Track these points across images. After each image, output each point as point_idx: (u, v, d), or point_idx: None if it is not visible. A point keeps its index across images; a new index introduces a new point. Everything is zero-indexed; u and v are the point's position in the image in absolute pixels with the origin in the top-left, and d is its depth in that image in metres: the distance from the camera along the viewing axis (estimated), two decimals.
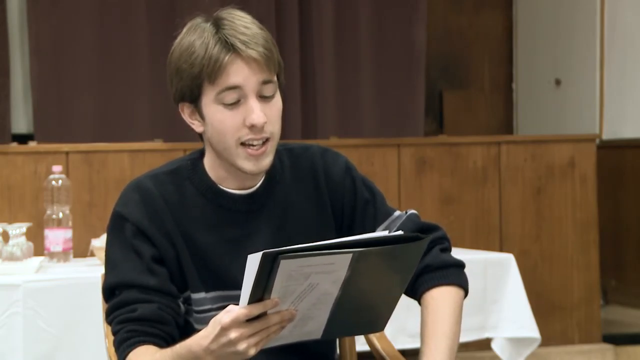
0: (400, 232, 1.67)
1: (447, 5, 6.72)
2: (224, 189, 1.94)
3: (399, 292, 1.79)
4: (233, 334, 1.63)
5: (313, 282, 1.62)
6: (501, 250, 4.67)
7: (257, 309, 1.61)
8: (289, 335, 1.71)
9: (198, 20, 1.87)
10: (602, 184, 5.15)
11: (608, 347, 4.79)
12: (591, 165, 4.84)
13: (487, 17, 6.79)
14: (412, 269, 1.77)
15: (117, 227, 1.91)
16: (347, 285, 1.66)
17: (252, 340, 1.63)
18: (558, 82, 6.37)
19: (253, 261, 1.57)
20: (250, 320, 1.62)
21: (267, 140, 1.86)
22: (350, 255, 1.60)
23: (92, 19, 5.69)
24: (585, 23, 6.07)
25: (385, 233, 1.66)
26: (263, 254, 1.54)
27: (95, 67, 5.69)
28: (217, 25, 1.83)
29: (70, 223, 3.80)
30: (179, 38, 1.88)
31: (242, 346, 1.63)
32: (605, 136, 5.86)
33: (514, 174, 4.79)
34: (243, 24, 1.83)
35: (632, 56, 5.74)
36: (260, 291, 1.59)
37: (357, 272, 1.64)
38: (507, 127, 6.83)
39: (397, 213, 2.03)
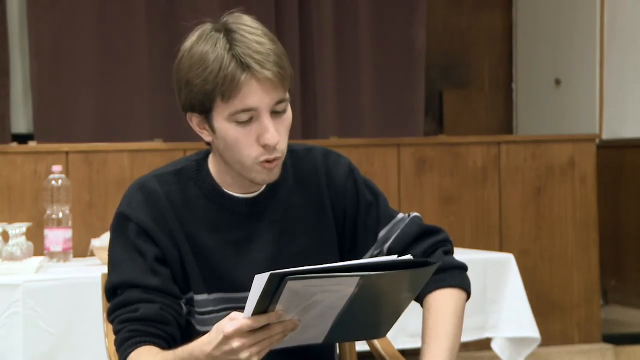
0: (409, 257, 1.66)
1: (447, 5, 6.72)
2: (228, 192, 1.94)
3: (406, 305, 1.78)
4: (236, 343, 1.63)
5: (318, 299, 1.62)
6: (501, 250, 4.67)
7: (261, 321, 1.61)
8: (289, 340, 1.71)
9: (208, 28, 1.84)
10: (602, 184, 5.15)
11: (608, 347, 4.79)
12: (591, 165, 4.84)
13: (487, 17, 6.80)
14: (419, 287, 1.76)
15: (121, 227, 1.90)
16: (353, 302, 1.66)
17: (254, 349, 1.64)
18: (558, 82, 6.37)
19: (260, 280, 1.57)
20: (253, 329, 1.63)
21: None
22: (358, 278, 1.60)
23: (92, 19, 5.68)
24: (585, 23, 6.07)
25: (394, 258, 1.65)
26: (271, 274, 1.54)
27: (95, 67, 5.69)
28: (230, 39, 1.79)
29: (70, 223, 3.80)
30: (188, 44, 1.84)
31: (244, 355, 1.63)
32: (605, 136, 5.86)
33: (514, 174, 4.79)
34: (256, 39, 1.80)
35: (632, 56, 5.74)
36: (266, 305, 1.60)
37: (364, 292, 1.64)
38: (507, 127, 6.83)
39: (400, 216, 2.03)
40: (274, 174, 1.87)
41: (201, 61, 1.80)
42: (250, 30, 1.82)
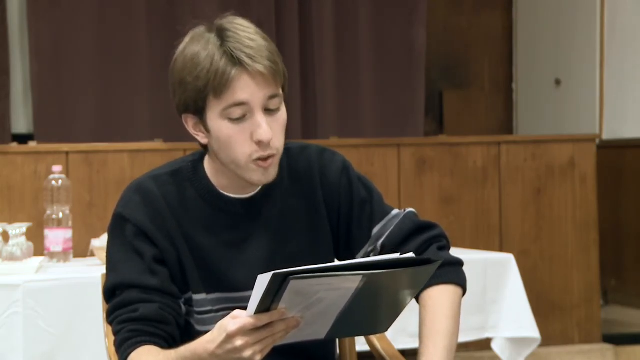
0: (411, 255, 1.66)
1: (447, 5, 6.73)
2: (223, 192, 1.94)
3: (407, 302, 1.78)
4: (239, 342, 1.63)
5: (321, 297, 1.63)
6: (501, 250, 4.67)
7: (263, 319, 1.62)
8: (292, 337, 1.71)
9: (201, 29, 1.85)
10: (602, 184, 5.15)
11: (608, 347, 4.79)
12: (591, 165, 4.85)
13: (487, 17, 6.80)
14: (421, 285, 1.76)
15: (118, 228, 1.91)
16: (355, 299, 1.67)
17: (257, 347, 1.64)
18: (558, 82, 6.37)
19: (263, 279, 1.57)
20: (256, 328, 1.63)
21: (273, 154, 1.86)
22: (360, 277, 1.60)
23: (92, 19, 5.69)
24: (585, 23, 6.08)
25: (396, 256, 1.65)
26: (273, 274, 1.54)
27: (95, 67, 5.69)
28: (222, 37, 1.81)
29: (70, 223, 3.80)
30: (181, 47, 1.85)
31: (247, 353, 1.64)
32: (605, 136, 5.86)
33: (514, 174, 4.79)
34: (248, 36, 1.80)
35: (632, 56, 5.74)
36: (268, 303, 1.60)
37: (366, 290, 1.64)
38: (507, 127, 6.83)
39: (395, 212, 2.02)
40: (270, 173, 1.87)
41: (193, 60, 1.81)
42: (242, 28, 1.82)
